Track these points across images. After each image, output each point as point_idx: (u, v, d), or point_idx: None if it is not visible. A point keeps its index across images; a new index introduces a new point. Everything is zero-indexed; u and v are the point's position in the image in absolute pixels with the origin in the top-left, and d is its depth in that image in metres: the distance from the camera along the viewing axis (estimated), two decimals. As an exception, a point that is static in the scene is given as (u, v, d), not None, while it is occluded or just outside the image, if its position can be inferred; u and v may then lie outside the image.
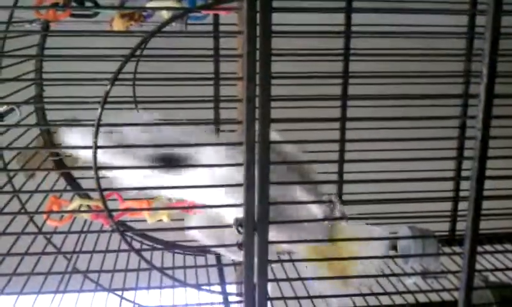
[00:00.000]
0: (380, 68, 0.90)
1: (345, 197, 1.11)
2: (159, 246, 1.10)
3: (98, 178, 0.63)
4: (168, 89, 0.70)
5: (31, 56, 0.98)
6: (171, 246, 1.12)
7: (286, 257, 0.84)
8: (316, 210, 0.76)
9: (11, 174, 0.90)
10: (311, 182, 0.78)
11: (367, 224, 0.79)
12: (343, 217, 0.75)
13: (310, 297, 0.77)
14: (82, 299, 0.88)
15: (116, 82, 0.59)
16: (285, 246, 0.81)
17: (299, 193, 0.76)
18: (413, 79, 0.95)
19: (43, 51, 0.99)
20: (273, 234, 0.65)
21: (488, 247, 1.13)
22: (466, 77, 1.11)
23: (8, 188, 0.87)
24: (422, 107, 0.91)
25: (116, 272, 0.89)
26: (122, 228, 1.08)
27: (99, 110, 0.59)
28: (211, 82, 1.10)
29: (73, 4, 0.88)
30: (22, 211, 0.89)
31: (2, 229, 0.75)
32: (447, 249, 1.12)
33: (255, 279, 0.65)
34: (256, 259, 0.64)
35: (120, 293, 0.90)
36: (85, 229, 0.98)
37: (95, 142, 0.61)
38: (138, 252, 0.76)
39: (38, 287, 0.83)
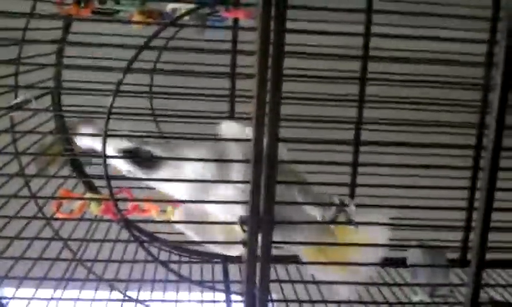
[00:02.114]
0: (395, 93, 0.91)
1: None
2: (166, 248, 1.10)
3: (105, 166, 0.63)
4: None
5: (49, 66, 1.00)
6: (178, 249, 1.12)
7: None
8: (314, 212, 0.76)
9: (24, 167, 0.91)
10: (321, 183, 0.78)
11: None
12: (350, 222, 0.74)
13: (312, 302, 0.76)
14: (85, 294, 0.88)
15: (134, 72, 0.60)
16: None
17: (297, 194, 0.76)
18: (427, 106, 0.94)
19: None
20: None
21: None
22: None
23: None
24: (436, 134, 0.91)
25: (118, 262, 0.88)
26: (130, 228, 1.10)
27: (111, 100, 0.59)
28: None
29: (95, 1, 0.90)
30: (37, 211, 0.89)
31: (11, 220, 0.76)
32: (459, 271, 1.10)
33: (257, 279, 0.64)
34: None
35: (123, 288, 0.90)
36: (94, 224, 0.98)
37: (105, 132, 0.62)
38: (142, 244, 0.76)
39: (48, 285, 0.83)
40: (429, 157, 0.87)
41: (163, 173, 0.78)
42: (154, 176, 0.77)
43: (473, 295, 0.69)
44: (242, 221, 0.66)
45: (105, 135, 0.62)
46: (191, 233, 0.81)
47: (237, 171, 0.77)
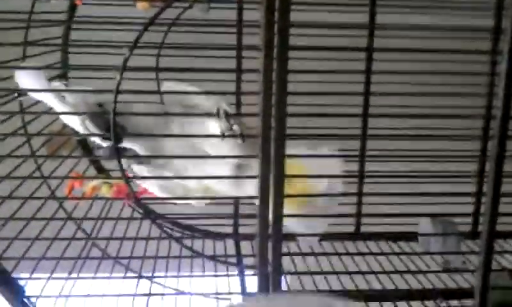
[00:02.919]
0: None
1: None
2: (178, 229, 1.11)
3: (118, 149, 0.64)
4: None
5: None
6: (190, 230, 1.13)
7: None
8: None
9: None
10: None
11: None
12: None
13: (324, 273, 0.77)
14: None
15: (141, 51, 0.60)
16: None
17: None
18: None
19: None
20: None
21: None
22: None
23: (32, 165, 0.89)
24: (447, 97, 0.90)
25: (133, 239, 0.89)
26: (143, 209, 1.11)
27: (118, 77, 0.60)
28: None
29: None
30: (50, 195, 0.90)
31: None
32: (470, 243, 1.11)
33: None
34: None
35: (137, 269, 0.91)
36: (106, 208, 0.99)
37: (114, 108, 0.62)
38: (155, 221, 0.77)
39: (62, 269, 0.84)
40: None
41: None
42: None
43: (486, 262, 0.69)
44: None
45: (114, 113, 0.62)
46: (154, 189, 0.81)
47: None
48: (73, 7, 0.99)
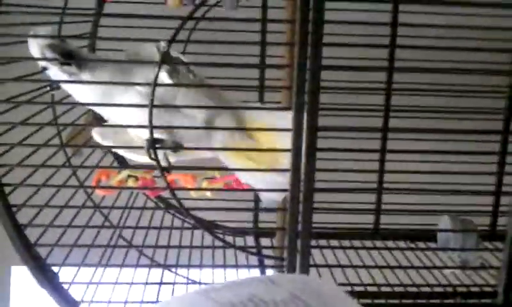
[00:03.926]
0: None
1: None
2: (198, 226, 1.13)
3: (153, 141, 0.66)
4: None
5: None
6: (211, 226, 1.15)
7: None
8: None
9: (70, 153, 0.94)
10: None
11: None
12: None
13: (352, 266, 0.78)
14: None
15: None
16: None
17: None
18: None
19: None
20: None
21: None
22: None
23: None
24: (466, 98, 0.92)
25: (151, 228, 0.91)
26: (165, 205, 1.13)
27: (156, 70, 0.62)
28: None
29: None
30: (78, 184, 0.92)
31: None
32: (487, 244, 1.11)
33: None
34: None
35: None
36: (131, 200, 1.02)
37: (151, 102, 0.64)
38: (181, 207, 0.78)
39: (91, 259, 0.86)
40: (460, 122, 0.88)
41: (84, 76, 0.77)
42: (74, 77, 0.76)
43: (510, 260, 0.70)
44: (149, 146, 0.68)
45: (151, 105, 0.64)
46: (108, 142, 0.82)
47: (141, 73, 0.77)
48: (100, 3, 1.01)
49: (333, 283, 0.33)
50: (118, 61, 0.77)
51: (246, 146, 0.79)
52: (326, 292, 0.34)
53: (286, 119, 0.70)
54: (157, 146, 0.70)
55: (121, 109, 0.75)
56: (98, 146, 1.08)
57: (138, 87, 0.76)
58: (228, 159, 0.82)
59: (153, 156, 0.71)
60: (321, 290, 0.34)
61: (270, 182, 0.78)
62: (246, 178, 0.82)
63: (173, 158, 0.80)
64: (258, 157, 0.80)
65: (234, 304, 0.31)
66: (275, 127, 0.75)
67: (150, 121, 0.66)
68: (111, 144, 0.83)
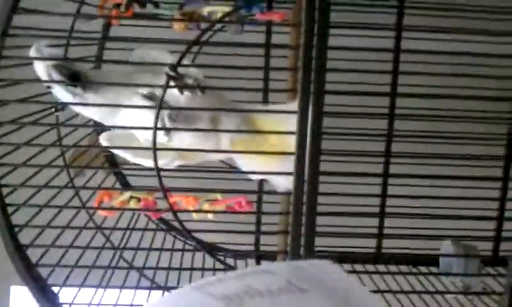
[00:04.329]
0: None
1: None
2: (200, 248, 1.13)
3: (156, 158, 0.66)
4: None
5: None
6: (213, 249, 1.15)
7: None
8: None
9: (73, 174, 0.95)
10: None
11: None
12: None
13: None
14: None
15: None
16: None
17: None
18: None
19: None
20: None
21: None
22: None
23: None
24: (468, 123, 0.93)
25: (152, 250, 0.90)
26: (167, 227, 1.13)
27: (162, 93, 0.62)
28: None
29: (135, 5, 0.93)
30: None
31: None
32: (490, 269, 1.11)
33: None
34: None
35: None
36: (133, 221, 1.02)
37: (155, 125, 0.64)
38: (183, 229, 0.78)
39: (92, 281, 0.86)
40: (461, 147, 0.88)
41: (89, 95, 0.78)
42: (78, 98, 0.77)
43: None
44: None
45: (155, 129, 0.65)
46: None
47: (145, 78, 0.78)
48: (107, 26, 1.02)
49: (336, 268, 0.32)
50: (122, 84, 0.78)
51: (254, 140, 0.80)
52: (328, 277, 0.34)
53: (292, 108, 0.71)
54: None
55: (128, 119, 0.76)
56: (102, 167, 1.10)
57: (142, 91, 0.77)
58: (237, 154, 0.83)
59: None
60: (322, 276, 0.34)
61: (278, 170, 0.78)
62: (254, 169, 0.83)
63: (183, 162, 0.82)
64: (267, 146, 0.80)
65: (230, 297, 0.31)
66: (280, 122, 0.76)
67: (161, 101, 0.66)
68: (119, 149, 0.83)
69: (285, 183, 0.80)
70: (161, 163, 0.75)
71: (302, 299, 0.31)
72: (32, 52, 0.75)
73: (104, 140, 0.82)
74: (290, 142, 0.71)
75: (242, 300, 0.31)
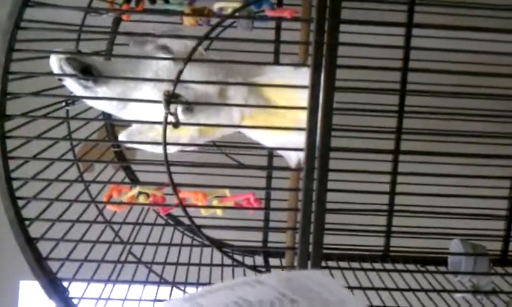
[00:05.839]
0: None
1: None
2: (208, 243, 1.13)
3: (166, 154, 0.66)
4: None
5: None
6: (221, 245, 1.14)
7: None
8: None
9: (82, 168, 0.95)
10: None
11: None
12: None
13: (362, 288, 0.77)
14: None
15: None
16: None
17: None
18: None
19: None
20: None
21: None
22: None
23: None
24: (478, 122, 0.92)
25: (168, 245, 0.91)
26: (175, 222, 1.13)
27: (172, 88, 0.62)
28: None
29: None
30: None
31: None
32: (499, 269, 1.10)
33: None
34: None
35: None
36: (142, 216, 1.02)
37: (166, 116, 0.64)
38: (192, 224, 0.78)
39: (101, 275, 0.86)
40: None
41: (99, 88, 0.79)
42: (90, 91, 0.78)
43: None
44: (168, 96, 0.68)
45: (166, 123, 0.65)
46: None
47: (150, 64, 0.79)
48: (117, 21, 1.03)
49: (330, 279, 0.32)
50: (130, 78, 0.78)
51: (264, 109, 0.80)
52: (321, 289, 0.33)
53: (302, 74, 0.71)
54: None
55: (139, 106, 0.77)
56: (111, 161, 1.10)
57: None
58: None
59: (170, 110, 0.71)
60: (315, 287, 0.33)
61: (288, 142, 0.78)
62: (266, 139, 0.83)
63: (206, 138, 0.83)
64: (277, 117, 0.80)
65: None
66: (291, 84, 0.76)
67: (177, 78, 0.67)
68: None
69: (296, 154, 0.80)
70: (184, 141, 0.77)
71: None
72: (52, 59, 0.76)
73: (123, 138, 0.82)
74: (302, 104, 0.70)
75: None
